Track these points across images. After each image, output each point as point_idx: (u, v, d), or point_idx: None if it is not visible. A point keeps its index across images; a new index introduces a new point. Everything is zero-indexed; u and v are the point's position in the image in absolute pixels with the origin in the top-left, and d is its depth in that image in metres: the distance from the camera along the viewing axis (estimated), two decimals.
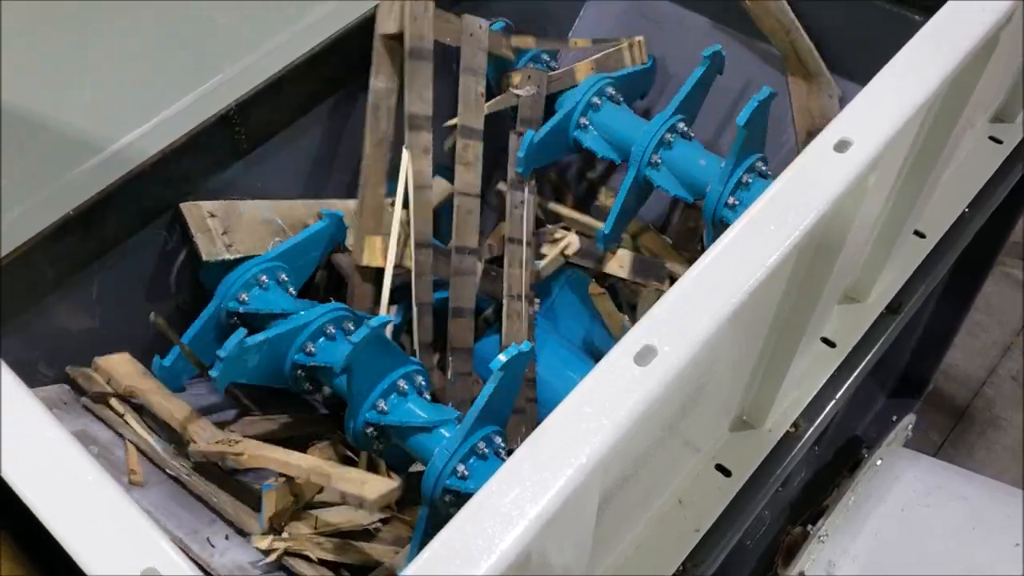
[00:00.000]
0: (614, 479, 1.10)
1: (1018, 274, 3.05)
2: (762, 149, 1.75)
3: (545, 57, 1.99)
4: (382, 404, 1.52)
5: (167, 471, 1.54)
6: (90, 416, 1.56)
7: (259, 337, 1.55)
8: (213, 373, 1.51)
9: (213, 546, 1.47)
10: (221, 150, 1.66)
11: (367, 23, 1.77)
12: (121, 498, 0.81)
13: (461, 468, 1.41)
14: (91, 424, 1.54)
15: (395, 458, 1.70)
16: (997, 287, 3.00)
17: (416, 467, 1.72)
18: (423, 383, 1.56)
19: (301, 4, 1.71)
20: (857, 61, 1.84)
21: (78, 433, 1.49)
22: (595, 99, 1.88)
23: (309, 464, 1.50)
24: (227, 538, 1.50)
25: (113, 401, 1.57)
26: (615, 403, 0.86)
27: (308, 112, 1.76)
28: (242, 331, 1.54)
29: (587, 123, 1.88)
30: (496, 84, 1.98)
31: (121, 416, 1.57)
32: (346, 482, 1.46)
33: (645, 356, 0.89)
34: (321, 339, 1.59)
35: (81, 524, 0.81)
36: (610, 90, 1.91)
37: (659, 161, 1.78)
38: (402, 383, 1.53)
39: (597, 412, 0.86)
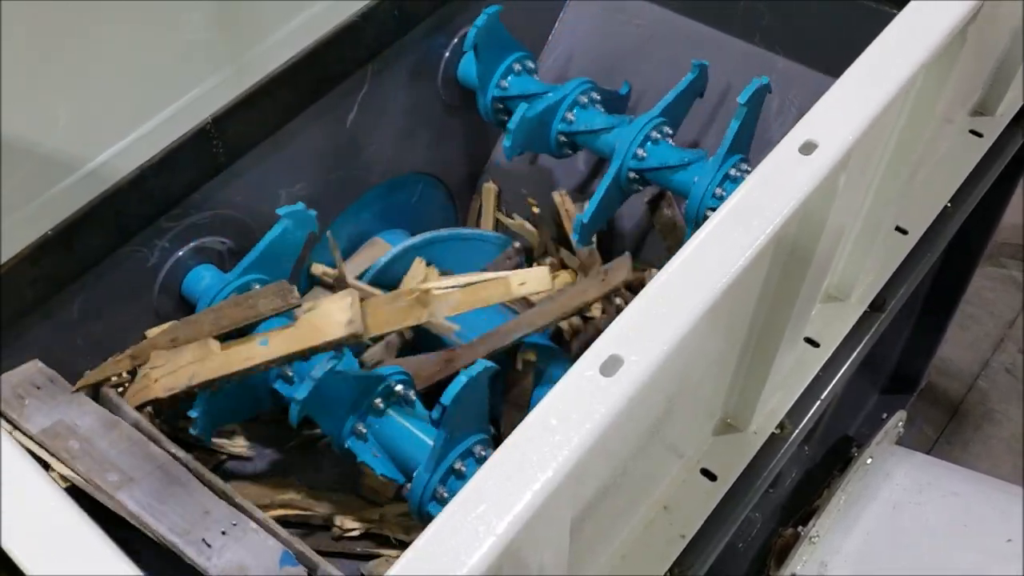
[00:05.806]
0: (593, 489, 1.09)
1: (1012, 272, 3.04)
2: (747, 150, 1.74)
3: (530, 65, 1.98)
4: (360, 427, 1.48)
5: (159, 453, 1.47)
6: (68, 402, 1.48)
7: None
8: (192, 431, 1.50)
9: (209, 546, 1.38)
10: (199, 165, 1.65)
11: (343, 34, 1.76)
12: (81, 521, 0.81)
13: (440, 490, 1.40)
14: (70, 410, 1.46)
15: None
16: (989, 281, 2.99)
17: None
18: (404, 389, 1.52)
19: (275, 17, 1.71)
20: (841, 60, 1.83)
21: (55, 425, 1.43)
22: (581, 97, 1.87)
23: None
24: (224, 533, 1.42)
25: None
26: (582, 416, 0.85)
27: (286, 124, 1.75)
28: None
29: (572, 118, 1.87)
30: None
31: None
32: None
33: (611, 367, 0.88)
34: (297, 359, 1.53)
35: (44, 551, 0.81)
36: (594, 94, 1.90)
37: (644, 156, 1.77)
38: (378, 401, 1.48)
39: (563, 424, 0.85)
